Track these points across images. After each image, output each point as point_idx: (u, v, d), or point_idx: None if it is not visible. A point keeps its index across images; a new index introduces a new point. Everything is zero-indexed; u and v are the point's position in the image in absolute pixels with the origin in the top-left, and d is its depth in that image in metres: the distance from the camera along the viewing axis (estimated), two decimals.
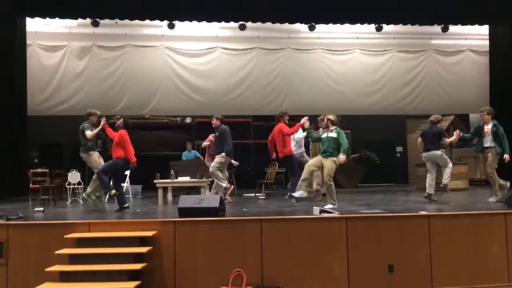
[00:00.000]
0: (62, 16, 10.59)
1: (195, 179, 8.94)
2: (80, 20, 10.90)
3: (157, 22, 11.13)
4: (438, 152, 8.03)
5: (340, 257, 5.81)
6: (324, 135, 7.36)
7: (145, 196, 10.53)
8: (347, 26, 11.52)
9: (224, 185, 8.35)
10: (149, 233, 5.74)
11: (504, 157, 7.61)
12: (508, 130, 8.13)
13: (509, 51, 12.19)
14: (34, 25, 11.15)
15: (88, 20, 10.70)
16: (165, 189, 8.95)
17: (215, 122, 8.77)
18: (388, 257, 5.85)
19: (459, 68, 12.63)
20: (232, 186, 8.92)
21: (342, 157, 7.03)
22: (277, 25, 11.30)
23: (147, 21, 10.91)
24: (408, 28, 11.71)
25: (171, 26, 11.12)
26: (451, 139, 8.12)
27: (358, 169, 13.20)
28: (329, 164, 7.08)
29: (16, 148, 10.75)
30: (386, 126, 13.93)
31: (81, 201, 9.06)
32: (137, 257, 5.57)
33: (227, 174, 9.02)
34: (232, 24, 11.38)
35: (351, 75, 12.19)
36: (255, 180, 10.76)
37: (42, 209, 7.40)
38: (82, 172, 9.47)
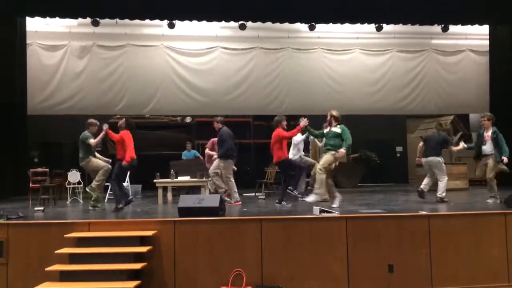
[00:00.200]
0: (62, 15, 10.59)
1: (195, 179, 8.95)
2: (80, 20, 10.90)
3: (157, 21, 11.12)
4: (438, 159, 8.05)
5: (340, 257, 5.81)
6: (327, 130, 7.35)
7: (145, 195, 10.54)
8: (347, 26, 11.51)
9: (224, 191, 8.34)
10: (149, 233, 5.74)
11: (502, 159, 7.58)
12: (508, 130, 8.12)
13: (509, 51, 12.20)
14: (34, 24, 11.14)
15: (88, 20, 10.70)
16: (165, 189, 8.96)
17: (216, 125, 8.62)
18: (388, 257, 5.85)
19: (459, 68, 12.63)
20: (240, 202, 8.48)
21: (342, 150, 6.92)
22: (277, 24, 11.30)
23: (147, 21, 10.89)
24: (408, 28, 11.71)
25: (171, 26, 11.12)
26: (457, 148, 8.16)
27: (358, 169, 13.19)
28: (327, 156, 7.06)
29: (16, 147, 10.76)
30: (386, 126, 13.90)
31: (81, 201, 9.07)
32: (137, 257, 5.57)
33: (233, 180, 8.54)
34: (232, 23, 11.38)
35: (351, 75, 12.17)
36: (255, 179, 10.78)
37: (42, 208, 7.40)
38: (82, 171, 9.43)
